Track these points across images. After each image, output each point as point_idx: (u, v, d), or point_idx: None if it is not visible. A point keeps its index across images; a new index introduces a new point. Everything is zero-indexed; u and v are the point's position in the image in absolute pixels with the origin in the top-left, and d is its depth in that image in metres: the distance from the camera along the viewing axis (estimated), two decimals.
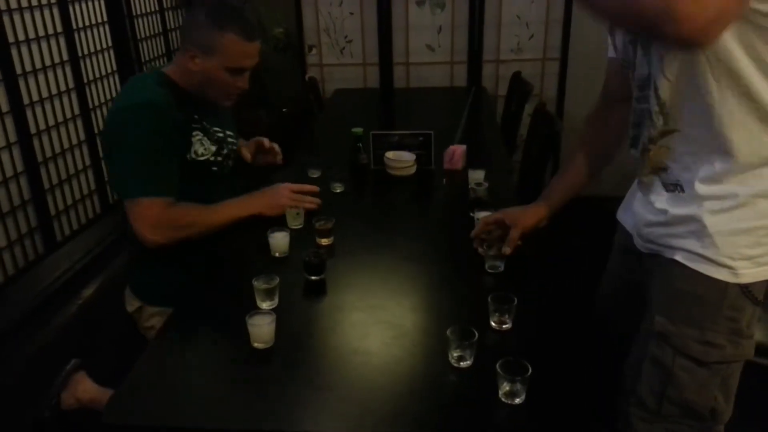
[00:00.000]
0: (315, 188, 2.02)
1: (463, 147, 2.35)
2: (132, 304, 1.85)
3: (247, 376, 1.28)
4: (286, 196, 1.88)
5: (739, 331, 1.20)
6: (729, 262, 1.16)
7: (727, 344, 1.20)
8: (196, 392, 1.25)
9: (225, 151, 1.86)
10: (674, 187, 1.23)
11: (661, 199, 1.26)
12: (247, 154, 2.08)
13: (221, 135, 1.87)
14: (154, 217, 1.63)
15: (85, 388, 1.67)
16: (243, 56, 1.71)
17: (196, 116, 1.77)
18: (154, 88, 1.70)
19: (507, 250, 1.59)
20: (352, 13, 3.85)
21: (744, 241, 1.16)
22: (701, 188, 1.17)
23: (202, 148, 1.75)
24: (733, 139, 1.12)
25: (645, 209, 1.31)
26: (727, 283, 1.17)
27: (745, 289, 1.18)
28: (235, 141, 1.98)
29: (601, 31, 1.42)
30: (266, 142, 2.16)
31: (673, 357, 1.23)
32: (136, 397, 1.25)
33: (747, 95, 1.09)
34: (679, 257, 1.22)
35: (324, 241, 1.79)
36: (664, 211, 1.24)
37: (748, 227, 1.15)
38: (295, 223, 1.88)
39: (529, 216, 1.62)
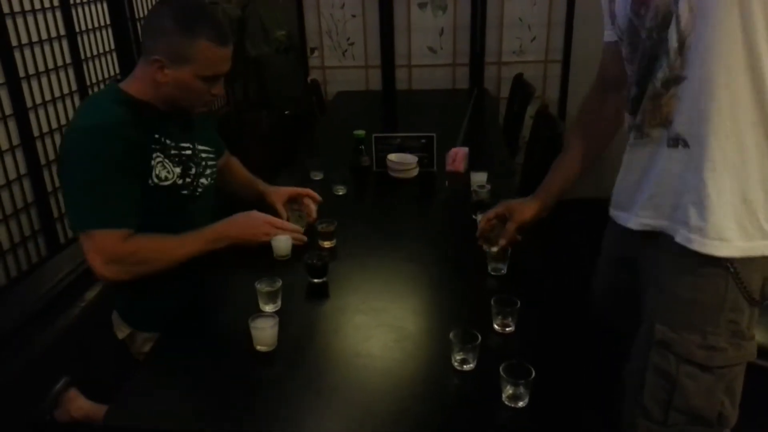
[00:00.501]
0: (299, 229, 1.79)
1: (466, 149, 2.35)
2: (122, 331, 1.71)
3: (250, 379, 1.28)
4: (264, 232, 1.67)
5: (741, 333, 1.20)
6: (727, 234, 1.15)
7: (729, 347, 1.20)
8: (199, 395, 1.25)
9: (193, 171, 1.67)
10: (677, 142, 1.18)
11: (662, 161, 1.23)
12: (281, 209, 1.88)
13: (189, 152, 1.67)
14: (109, 251, 1.47)
15: (78, 406, 1.63)
16: (217, 63, 1.55)
17: (156, 135, 1.59)
18: (110, 108, 1.53)
19: (502, 242, 1.59)
20: (354, 16, 3.85)
21: (742, 211, 1.15)
22: (706, 147, 1.14)
23: (164, 171, 1.58)
24: (741, 89, 1.10)
25: (644, 178, 1.28)
26: (726, 285, 1.17)
27: (742, 287, 1.17)
28: (212, 155, 1.79)
29: (602, 31, 1.43)
30: (303, 191, 1.94)
31: (677, 365, 1.22)
32: (138, 400, 1.25)
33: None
34: (679, 238, 1.20)
35: (326, 244, 1.79)
36: (666, 174, 1.22)
37: (749, 197, 1.14)
38: (298, 225, 1.88)
39: (527, 209, 1.61)
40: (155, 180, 1.56)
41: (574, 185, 1.59)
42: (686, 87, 1.15)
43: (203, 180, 1.71)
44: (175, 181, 1.61)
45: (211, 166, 1.76)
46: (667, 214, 1.24)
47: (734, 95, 1.11)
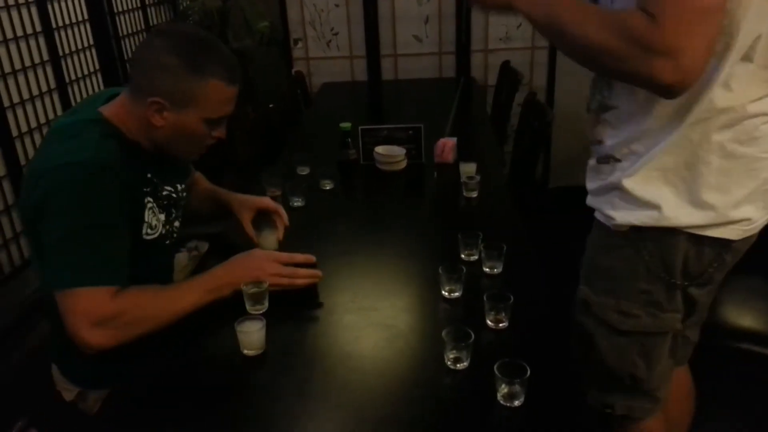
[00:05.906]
0: (310, 258, 1.54)
1: (454, 140, 2.32)
2: (69, 390, 1.45)
3: (237, 384, 1.25)
4: (270, 272, 1.44)
5: (657, 304, 1.27)
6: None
7: (642, 314, 1.28)
8: (185, 401, 1.21)
9: (173, 215, 1.51)
10: (606, 160, 1.27)
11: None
12: (248, 226, 1.71)
13: (175, 195, 1.51)
14: (97, 312, 1.22)
15: None
16: (225, 103, 1.38)
17: (149, 175, 1.41)
18: (99, 142, 1.30)
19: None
20: (337, 5, 3.80)
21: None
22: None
23: (154, 219, 1.41)
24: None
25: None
26: (635, 258, 1.25)
27: (652, 262, 1.23)
28: (186, 191, 1.61)
29: None
30: (272, 207, 1.76)
31: (595, 325, 1.34)
32: (124, 406, 1.23)
33: None
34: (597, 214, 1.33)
35: None
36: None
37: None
38: (268, 244, 1.68)
39: None
40: (147, 231, 1.39)
41: None
42: (613, 113, 1.24)
43: (177, 223, 1.54)
44: (161, 232, 1.44)
45: (184, 207, 1.59)
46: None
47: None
